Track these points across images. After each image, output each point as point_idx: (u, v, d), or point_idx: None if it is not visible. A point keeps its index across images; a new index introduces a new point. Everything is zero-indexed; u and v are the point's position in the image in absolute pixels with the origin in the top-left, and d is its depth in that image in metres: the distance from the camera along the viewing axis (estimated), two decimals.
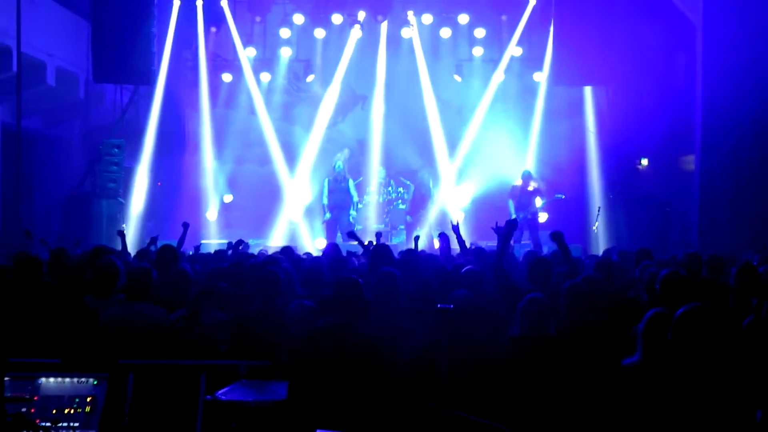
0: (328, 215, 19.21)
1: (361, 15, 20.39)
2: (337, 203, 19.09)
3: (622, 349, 5.63)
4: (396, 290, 6.90)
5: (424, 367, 5.39)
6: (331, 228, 19.04)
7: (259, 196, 20.91)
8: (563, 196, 18.14)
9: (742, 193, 16.70)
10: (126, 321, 6.79)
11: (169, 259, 8.79)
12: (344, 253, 11.17)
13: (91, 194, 19.01)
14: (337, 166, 19.29)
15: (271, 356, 5.92)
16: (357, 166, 21.14)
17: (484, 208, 20.00)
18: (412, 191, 20.55)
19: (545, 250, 14.63)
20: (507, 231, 8.34)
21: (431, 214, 20.08)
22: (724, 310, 6.56)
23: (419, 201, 20.33)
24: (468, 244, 11.49)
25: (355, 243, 12.29)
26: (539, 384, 5.68)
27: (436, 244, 14.82)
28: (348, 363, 5.54)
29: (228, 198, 21.12)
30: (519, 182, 18.09)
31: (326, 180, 19.45)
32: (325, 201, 19.23)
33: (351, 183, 19.42)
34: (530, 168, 18.99)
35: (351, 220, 19.13)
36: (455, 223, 11.27)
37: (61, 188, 19.40)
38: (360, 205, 20.18)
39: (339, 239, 17.74)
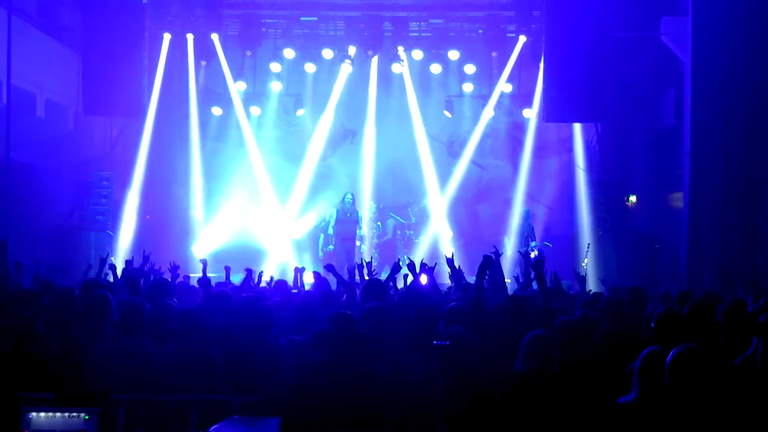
0: (331, 246, 19.28)
1: (352, 50, 20.45)
2: (346, 235, 19.19)
3: (617, 387, 5.59)
4: (387, 325, 6.82)
5: (423, 402, 5.34)
6: (337, 258, 18.99)
7: (247, 230, 20.86)
8: (550, 245, 18.17)
9: (731, 230, 16.71)
10: (118, 355, 6.70)
11: (163, 294, 8.71)
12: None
13: (80, 227, 18.90)
14: (346, 199, 19.46)
15: (264, 392, 5.85)
16: None
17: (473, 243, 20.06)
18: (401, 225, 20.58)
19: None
20: (483, 266, 8.31)
21: (421, 248, 20.05)
22: (714, 349, 6.54)
23: (409, 235, 20.35)
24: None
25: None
26: (539, 421, 5.63)
27: (423, 280, 14.66)
28: (346, 399, 5.48)
29: (216, 231, 21.04)
30: (516, 220, 18.07)
31: (334, 210, 19.60)
32: (331, 231, 19.33)
33: (360, 216, 19.60)
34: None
35: (360, 251, 19.29)
36: (449, 256, 11.11)
37: (49, 220, 19.25)
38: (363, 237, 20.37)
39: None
